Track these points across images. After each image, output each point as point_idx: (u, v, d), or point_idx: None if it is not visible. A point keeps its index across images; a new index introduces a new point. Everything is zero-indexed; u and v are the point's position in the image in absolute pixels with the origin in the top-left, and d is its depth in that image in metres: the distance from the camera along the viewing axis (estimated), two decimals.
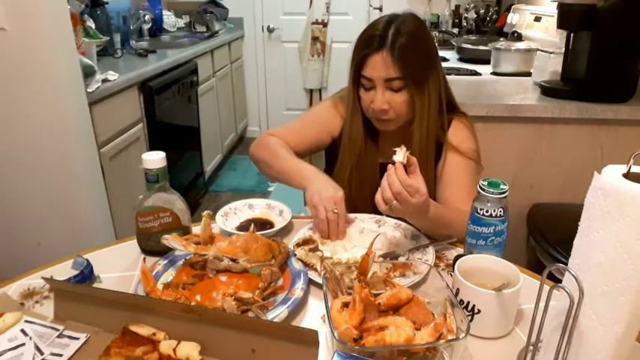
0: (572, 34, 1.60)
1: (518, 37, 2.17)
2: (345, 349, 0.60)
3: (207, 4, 3.83)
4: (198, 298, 0.77)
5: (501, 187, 0.80)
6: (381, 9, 3.86)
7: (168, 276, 0.86)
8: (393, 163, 0.83)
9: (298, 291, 0.80)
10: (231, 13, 3.98)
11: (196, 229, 0.94)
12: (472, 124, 1.18)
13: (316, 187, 1.01)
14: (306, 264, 0.88)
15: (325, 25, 4.01)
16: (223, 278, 0.81)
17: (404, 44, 0.99)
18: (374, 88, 1.04)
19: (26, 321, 0.74)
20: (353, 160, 1.15)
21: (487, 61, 2.27)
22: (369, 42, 1.02)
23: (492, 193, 0.80)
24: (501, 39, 2.43)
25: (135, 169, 1.80)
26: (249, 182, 3.49)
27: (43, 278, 0.78)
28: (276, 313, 0.74)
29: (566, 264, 0.55)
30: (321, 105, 1.25)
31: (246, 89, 4.30)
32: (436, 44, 1.10)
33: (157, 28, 3.49)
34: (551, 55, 1.76)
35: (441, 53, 2.83)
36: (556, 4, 1.61)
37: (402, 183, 0.82)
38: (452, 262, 0.92)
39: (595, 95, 1.57)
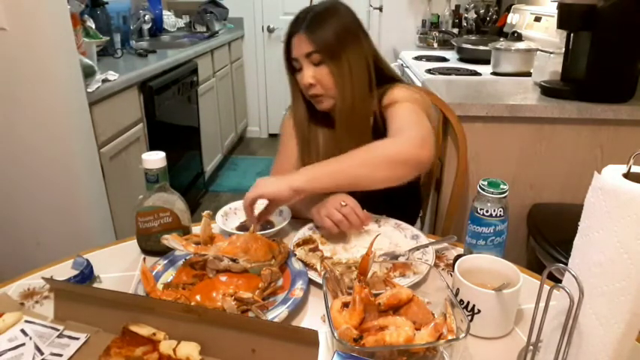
0: (572, 34, 1.60)
1: (518, 37, 2.16)
2: (345, 349, 0.60)
3: (207, 4, 3.83)
4: (198, 298, 0.77)
5: (501, 187, 0.80)
6: (381, 9, 3.86)
7: (168, 276, 0.86)
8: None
9: (298, 291, 0.80)
10: (231, 13, 3.98)
11: (196, 229, 0.94)
12: (410, 86, 1.20)
13: (320, 210, 1.01)
14: (306, 264, 0.88)
15: None
16: (223, 278, 0.81)
17: (315, 20, 1.08)
18: (302, 68, 1.11)
19: (26, 321, 0.74)
20: (301, 144, 1.20)
21: (487, 61, 2.27)
22: (289, 28, 1.12)
23: (492, 193, 0.80)
24: (501, 39, 2.43)
25: (135, 169, 1.80)
26: (249, 182, 3.45)
27: (43, 278, 0.78)
28: (276, 313, 0.74)
29: (566, 264, 0.55)
30: (285, 118, 1.27)
31: (246, 89, 4.30)
32: (359, 20, 1.14)
33: (157, 28, 3.49)
34: (551, 55, 1.75)
35: (441, 53, 2.84)
36: (556, 4, 1.61)
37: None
38: (452, 262, 0.92)
39: (595, 95, 1.57)
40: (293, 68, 1.14)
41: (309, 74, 1.09)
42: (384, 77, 1.17)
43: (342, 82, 1.09)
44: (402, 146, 0.97)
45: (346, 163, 0.96)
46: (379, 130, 1.12)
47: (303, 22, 1.08)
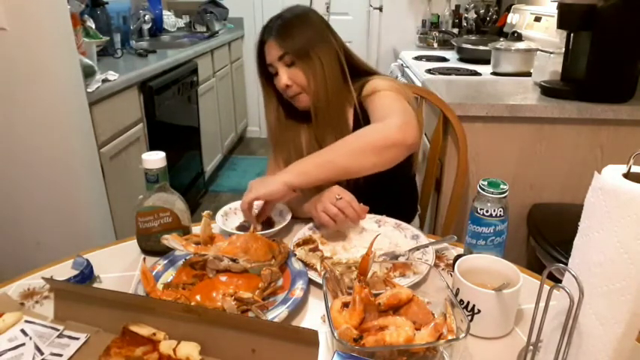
0: (572, 34, 1.60)
1: (518, 37, 2.16)
2: (345, 349, 0.60)
3: (207, 4, 3.83)
4: (198, 298, 0.77)
5: (501, 187, 0.80)
6: (381, 9, 3.87)
7: (168, 276, 0.86)
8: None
9: (298, 291, 0.80)
10: (231, 13, 3.98)
11: (196, 229, 0.94)
12: (388, 77, 1.24)
13: (316, 205, 1.01)
14: (306, 264, 0.88)
15: None
16: (223, 278, 0.81)
17: (281, 25, 1.16)
18: (277, 72, 1.16)
19: (26, 321, 0.74)
20: (276, 145, 1.25)
21: (487, 61, 2.27)
22: (260, 36, 1.19)
23: (492, 193, 0.80)
24: (501, 39, 2.43)
25: (135, 169, 1.80)
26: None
27: (43, 278, 0.78)
28: (276, 313, 0.74)
29: (566, 264, 0.55)
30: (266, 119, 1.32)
31: (246, 89, 4.29)
32: (326, 21, 1.22)
33: (157, 28, 3.49)
34: (551, 55, 1.75)
35: (441, 53, 2.84)
36: (556, 4, 1.61)
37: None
38: (452, 262, 0.92)
39: (595, 95, 1.57)
40: (267, 75, 1.20)
41: (284, 77, 1.14)
42: (359, 71, 1.22)
43: (314, 79, 1.13)
44: (385, 131, 1.01)
45: (333, 153, 1.00)
46: (360, 122, 1.16)
47: (272, 31, 1.15)
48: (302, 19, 1.17)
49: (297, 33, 1.15)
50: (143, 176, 0.91)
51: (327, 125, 1.16)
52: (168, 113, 2.48)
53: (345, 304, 0.69)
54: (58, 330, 0.72)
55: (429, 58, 2.67)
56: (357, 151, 0.99)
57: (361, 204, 1.00)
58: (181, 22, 3.86)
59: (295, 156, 1.19)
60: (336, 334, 0.62)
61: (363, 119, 1.15)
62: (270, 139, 1.27)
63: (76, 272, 0.87)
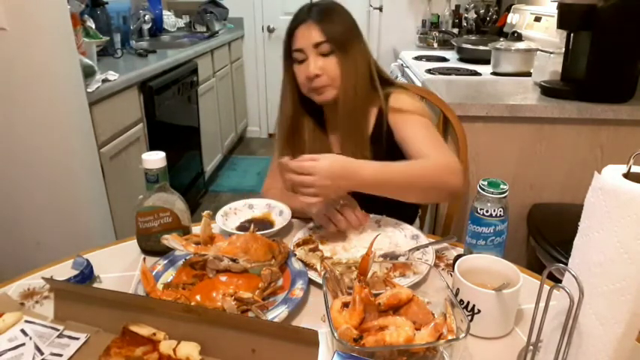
0: (572, 34, 1.60)
1: (518, 37, 2.16)
2: (345, 349, 0.60)
3: (207, 4, 3.83)
4: (198, 298, 0.77)
5: (501, 187, 0.80)
6: (381, 9, 3.86)
7: (168, 276, 0.86)
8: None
9: (298, 291, 0.80)
10: (231, 13, 3.98)
11: (196, 229, 0.94)
12: (413, 93, 1.21)
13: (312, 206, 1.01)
14: (306, 264, 0.88)
15: None
16: (223, 278, 0.81)
17: (324, 10, 1.09)
18: (306, 59, 1.09)
19: (26, 321, 0.74)
20: (284, 136, 1.18)
21: (487, 61, 2.27)
22: (294, 19, 1.11)
23: (492, 193, 0.80)
24: (501, 39, 2.43)
25: (135, 169, 1.80)
26: (249, 182, 3.49)
27: (43, 278, 0.78)
28: (276, 313, 0.74)
29: (566, 264, 0.55)
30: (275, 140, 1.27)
31: (246, 89, 4.30)
32: (356, 23, 1.16)
33: (157, 28, 3.49)
34: (551, 55, 1.75)
35: (441, 53, 2.84)
36: (556, 4, 1.61)
37: (293, 173, 0.88)
38: (452, 262, 0.92)
39: (595, 95, 1.57)
40: (292, 60, 1.12)
41: (316, 65, 1.08)
42: (383, 79, 1.18)
43: (347, 74, 1.09)
44: (450, 176, 0.98)
45: (396, 172, 0.96)
46: (381, 130, 1.13)
47: (311, 13, 1.08)
48: (344, 12, 1.13)
49: (340, 21, 1.10)
50: (143, 176, 0.91)
51: (348, 125, 1.12)
52: (169, 113, 2.48)
53: (345, 304, 0.69)
54: (58, 330, 0.72)
55: (429, 58, 2.67)
56: (417, 184, 0.97)
57: (363, 211, 1.00)
58: (181, 22, 3.87)
59: (298, 151, 1.15)
60: (336, 334, 0.62)
61: (386, 132, 1.13)
62: (281, 131, 1.19)
63: (76, 272, 0.87)
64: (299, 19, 1.10)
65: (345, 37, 1.09)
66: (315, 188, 0.88)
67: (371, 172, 0.93)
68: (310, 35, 1.07)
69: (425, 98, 1.45)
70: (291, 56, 1.12)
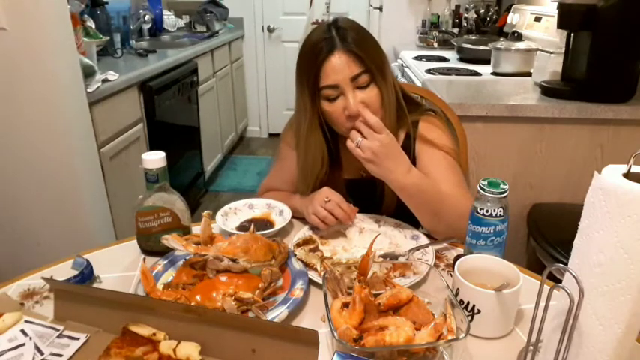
0: (572, 34, 1.60)
1: (519, 37, 2.16)
2: (345, 349, 0.60)
3: (207, 4, 3.83)
4: (198, 298, 0.77)
5: (501, 187, 0.80)
6: (381, 9, 3.86)
7: (168, 276, 0.86)
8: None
9: (298, 291, 0.80)
10: (231, 13, 3.98)
11: (196, 229, 0.94)
12: (444, 122, 1.15)
13: (307, 208, 1.01)
14: (306, 264, 0.88)
15: None
16: (223, 278, 0.81)
17: (354, 37, 0.94)
18: (341, 95, 0.95)
19: (26, 321, 0.74)
20: (315, 183, 1.07)
21: (487, 61, 2.27)
22: (317, 51, 0.94)
23: (492, 193, 0.80)
24: (501, 39, 2.43)
25: (135, 169, 1.80)
26: (249, 182, 3.49)
27: (43, 278, 0.78)
28: (276, 313, 0.74)
29: (566, 264, 0.55)
30: (287, 129, 1.16)
31: (246, 89, 4.30)
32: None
33: (157, 28, 3.49)
34: (551, 55, 1.76)
35: (441, 53, 2.84)
36: (556, 4, 1.61)
37: (369, 120, 0.89)
38: (452, 262, 0.92)
39: (595, 95, 1.57)
40: (318, 98, 0.97)
41: (357, 101, 0.93)
42: (408, 99, 1.10)
43: (389, 103, 0.99)
44: (464, 222, 0.87)
45: (433, 191, 0.95)
46: (409, 153, 1.01)
47: (335, 42, 0.93)
48: (367, 33, 0.98)
49: (372, 48, 0.96)
50: (143, 176, 0.91)
51: None
52: (169, 113, 2.48)
53: (345, 304, 0.69)
54: (58, 330, 0.72)
55: (429, 58, 2.66)
56: (439, 209, 0.95)
57: (350, 204, 1.00)
58: (181, 22, 3.86)
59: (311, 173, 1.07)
60: (336, 334, 0.62)
61: (412, 158, 1.03)
62: (305, 174, 1.07)
63: (76, 272, 0.87)
64: (325, 50, 0.93)
65: (379, 62, 0.96)
66: (372, 146, 0.89)
67: (415, 173, 0.94)
68: (345, 68, 0.92)
69: (425, 98, 1.45)
70: (315, 92, 0.97)
